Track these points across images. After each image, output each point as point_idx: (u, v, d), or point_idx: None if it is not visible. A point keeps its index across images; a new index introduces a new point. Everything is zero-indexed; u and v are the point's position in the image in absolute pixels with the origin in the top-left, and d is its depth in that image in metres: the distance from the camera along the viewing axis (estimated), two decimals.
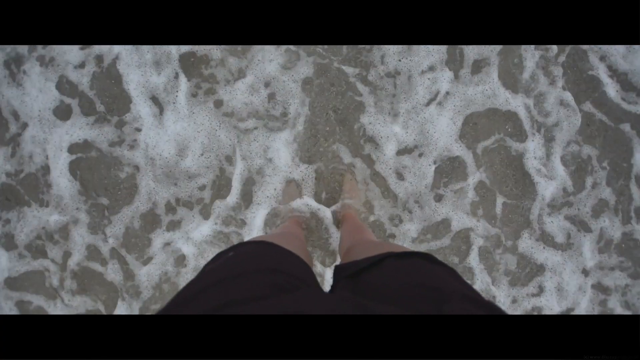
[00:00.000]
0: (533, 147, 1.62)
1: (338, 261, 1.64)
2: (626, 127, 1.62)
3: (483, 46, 1.58)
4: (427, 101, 1.59)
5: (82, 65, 1.61)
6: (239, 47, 1.58)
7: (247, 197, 1.64)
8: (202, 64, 1.59)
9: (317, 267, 1.69)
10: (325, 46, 1.58)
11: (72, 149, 1.64)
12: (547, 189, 1.64)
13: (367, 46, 1.58)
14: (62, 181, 1.66)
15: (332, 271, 0.73)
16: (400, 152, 1.61)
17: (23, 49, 1.61)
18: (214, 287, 0.55)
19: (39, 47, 1.60)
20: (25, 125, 1.64)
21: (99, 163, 1.65)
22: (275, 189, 1.63)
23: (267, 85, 1.59)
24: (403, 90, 1.59)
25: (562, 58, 1.60)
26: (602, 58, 1.60)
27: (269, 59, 1.58)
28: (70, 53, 1.60)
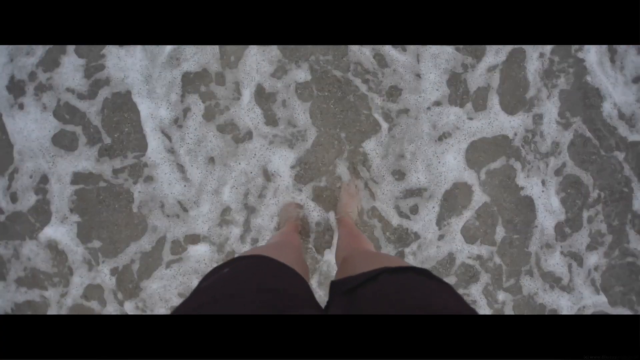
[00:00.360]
0: (535, 177, 1.64)
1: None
2: (620, 155, 1.65)
3: (485, 73, 1.61)
4: (432, 137, 1.61)
5: (86, 94, 1.60)
6: (232, 57, 1.59)
7: (249, 224, 1.63)
8: (201, 82, 1.59)
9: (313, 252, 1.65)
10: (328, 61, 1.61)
11: (74, 181, 1.62)
12: (546, 222, 1.65)
13: (373, 66, 1.60)
14: (63, 214, 1.63)
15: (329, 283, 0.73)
16: (407, 193, 1.63)
17: (23, 74, 1.59)
18: (208, 307, 0.54)
19: (40, 73, 1.59)
20: (25, 156, 1.61)
21: (102, 196, 1.63)
22: (273, 216, 1.62)
23: (267, 102, 1.60)
24: (408, 127, 1.61)
25: (561, 81, 1.62)
26: (604, 89, 1.63)
27: (261, 68, 1.59)
28: (73, 80, 1.59)
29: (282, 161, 1.60)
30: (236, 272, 0.66)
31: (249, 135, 1.60)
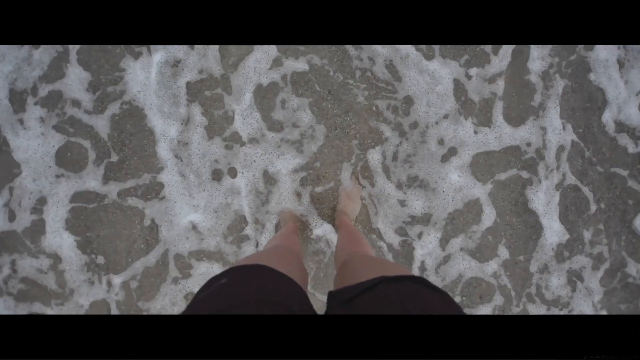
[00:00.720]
0: (540, 192, 1.64)
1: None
2: (623, 172, 1.65)
3: (487, 84, 1.61)
4: (438, 152, 1.62)
5: (92, 109, 1.59)
6: (230, 61, 1.59)
7: (255, 233, 1.63)
8: (204, 91, 1.59)
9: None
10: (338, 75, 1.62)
11: (77, 199, 1.60)
12: (550, 240, 1.65)
13: (376, 75, 1.61)
14: (66, 230, 1.62)
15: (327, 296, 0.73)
16: (411, 218, 1.63)
17: (28, 85, 1.56)
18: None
19: (43, 86, 1.56)
20: (24, 172, 1.58)
21: (103, 215, 1.62)
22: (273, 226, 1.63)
23: (267, 105, 1.60)
24: (413, 142, 1.62)
25: (565, 90, 1.63)
26: (609, 101, 1.63)
27: (259, 67, 1.60)
28: (79, 92, 1.57)
29: (284, 166, 1.61)
30: (234, 283, 0.66)
31: (252, 142, 1.61)
